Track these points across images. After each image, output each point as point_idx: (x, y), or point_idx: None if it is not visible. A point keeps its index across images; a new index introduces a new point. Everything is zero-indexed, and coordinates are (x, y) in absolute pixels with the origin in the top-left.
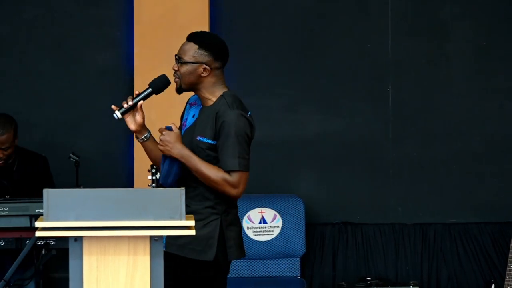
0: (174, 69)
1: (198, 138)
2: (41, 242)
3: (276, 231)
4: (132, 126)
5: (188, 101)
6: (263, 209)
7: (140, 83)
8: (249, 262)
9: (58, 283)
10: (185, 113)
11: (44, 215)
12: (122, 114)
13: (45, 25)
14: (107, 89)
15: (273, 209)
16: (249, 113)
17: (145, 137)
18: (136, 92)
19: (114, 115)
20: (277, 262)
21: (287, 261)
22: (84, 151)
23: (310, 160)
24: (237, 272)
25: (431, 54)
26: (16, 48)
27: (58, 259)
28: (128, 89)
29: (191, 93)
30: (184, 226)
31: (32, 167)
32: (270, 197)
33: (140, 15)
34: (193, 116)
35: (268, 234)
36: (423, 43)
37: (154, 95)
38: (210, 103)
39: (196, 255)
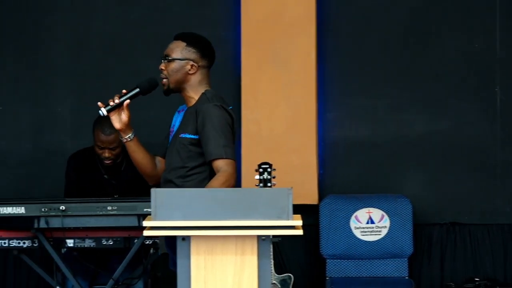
0: (161, 69)
1: (181, 135)
2: (149, 241)
3: (384, 231)
4: (117, 124)
5: (177, 110)
6: (371, 209)
7: (248, 83)
8: (356, 262)
9: (166, 283)
10: (173, 121)
11: (152, 214)
12: (108, 111)
13: (152, 25)
14: (214, 88)
15: (381, 209)
16: (230, 107)
17: (128, 137)
18: (124, 91)
19: (100, 111)
20: (385, 262)
21: (395, 261)
22: None
23: (417, 160)
24: (344, 272)
25: None
26: (123, 47)
27: (166, 258)
28: (235, 89)
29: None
30: (291, 225)
31: None
32: (378, 197)
33: (247, 15)
34: (180, 122)
35: (375, 234)
36: None
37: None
38: (193, 102)
39: None
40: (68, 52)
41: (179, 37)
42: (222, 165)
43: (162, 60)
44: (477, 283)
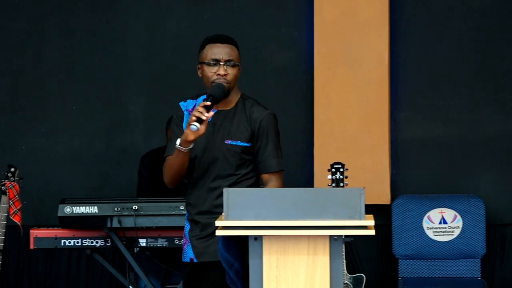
0: (223, 74)
1: (229, 142)
2: None
3: (457, 232)
4: (191, 136)
5: (184, 109)
6: (443, 210)
7: (321, 83)
8: (429, 263)
9: None
10: (185, 121)
11: (224, 214)
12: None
13: (225, 25)
14: (286, 89)
15: (453, 210)
16: None
17: (189, 148)
18: (208, 103)
19: (195, 126)
20: (457, 262)
21: (468, 261)
22: None
23: (490, 160)
24: (417, 272)
25: None
26: (196, 47)
27: None
28: (308, 89)
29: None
30: (364, 226)
31: None
32: (450, 197)
33: (320, 15)
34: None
35: (448, 235)
36: None
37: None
38: (231, 105)
39: None
40: (141, 52)
41: (229, 41)
42: (275, 177)
43: (222, 65)
44: None
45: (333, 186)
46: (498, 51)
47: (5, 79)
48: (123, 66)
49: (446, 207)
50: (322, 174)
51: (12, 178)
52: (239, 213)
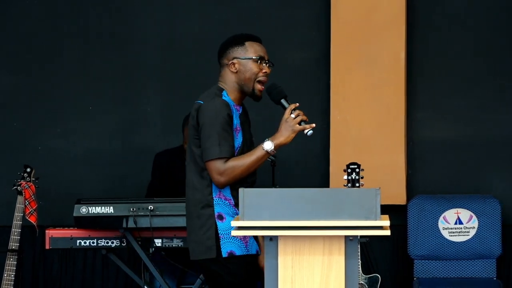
0: (269, 72)
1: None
2: None
3: (472, 232)
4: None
5: (230, 106)
6: (459, 210)
7: (337, 83)
8: (444, 263)
9: None
10: (234, 119)
11: (240, 214)
12: None
13: (243, 26)
14: (303, 89)
15: (469, 210)
16: None
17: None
18: (297, 104)
19: (311, 131)
20: (472, 263)
21: (483, 262)
22: (280, 151)
23: (507, 161)
24: (432, 272)
25: None
26: (213, 48)
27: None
28: (324, 89)
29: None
30: (379, 226)
31: None
32: (466, 197)
33: (336, 16)
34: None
35: (464, 235)
36: None
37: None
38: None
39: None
40: (158, 52)
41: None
42: None
43: (268, 64)
44: None
45: (348, 187)
46: None
47: (21, 79)
48: (139, 66)
49: (462, 208)
50: (338, 174)
51: (28, 178)
52: (255, 213)
